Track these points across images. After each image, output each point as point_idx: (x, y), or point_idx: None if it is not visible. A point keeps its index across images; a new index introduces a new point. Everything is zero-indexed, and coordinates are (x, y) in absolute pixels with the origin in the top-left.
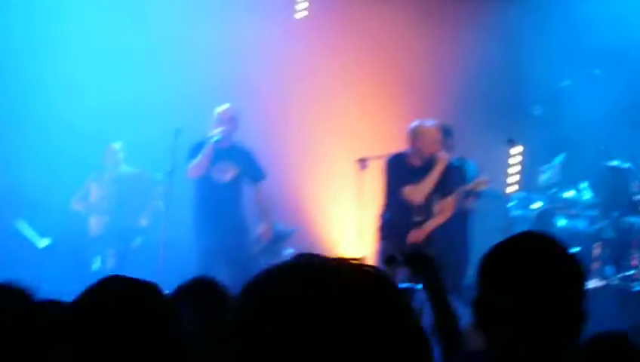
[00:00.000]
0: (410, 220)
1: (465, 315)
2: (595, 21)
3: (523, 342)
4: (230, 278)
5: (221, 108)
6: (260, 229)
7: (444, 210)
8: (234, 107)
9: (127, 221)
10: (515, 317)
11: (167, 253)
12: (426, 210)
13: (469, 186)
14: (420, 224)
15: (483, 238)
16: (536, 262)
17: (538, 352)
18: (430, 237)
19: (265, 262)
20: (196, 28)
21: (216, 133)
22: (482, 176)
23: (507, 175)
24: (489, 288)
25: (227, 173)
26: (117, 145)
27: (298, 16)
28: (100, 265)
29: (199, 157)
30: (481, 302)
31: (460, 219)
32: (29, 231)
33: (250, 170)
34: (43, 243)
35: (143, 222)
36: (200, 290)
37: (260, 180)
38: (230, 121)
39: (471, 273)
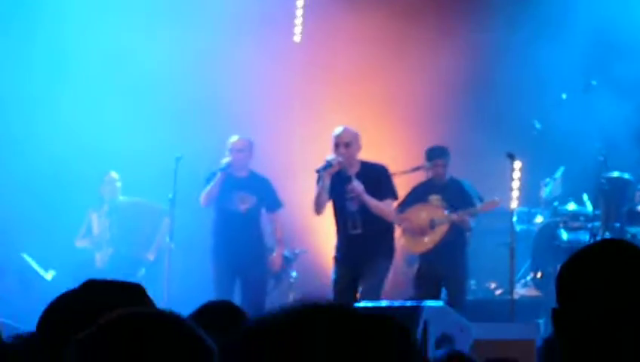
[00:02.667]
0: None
1: (495, 330)
2: (591, 30)
3: (610, 357)
4: (245, 305)
5: (232, 139)
6: (270, 257)
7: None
8: (246, 137)
9: (131, 251)
10: (600, 329)
11: (172, 283)
12: (361, 221)
13: (481, 207)
14: (359, 237)
15: (489, 254)
16: (620, 268)
17: None
18: (435, 255)
19: (271, 287)
20: (194, 55)
21: (224, 161)
22: (488, 195)
23: (509, 190)
24: (569, 299)
25: (244, 204)
26: (114, 175)
27: (295, 39)
28: None
29: (209, 186)
30: (561, 314)
31: (460, 237)
32: (34, 264)
33: (267, 199)
34: (49, 275)
35: (150, 256)
36: (217, 312)
37: (276, 210)
38: (240, 151)
39: (469, 289)
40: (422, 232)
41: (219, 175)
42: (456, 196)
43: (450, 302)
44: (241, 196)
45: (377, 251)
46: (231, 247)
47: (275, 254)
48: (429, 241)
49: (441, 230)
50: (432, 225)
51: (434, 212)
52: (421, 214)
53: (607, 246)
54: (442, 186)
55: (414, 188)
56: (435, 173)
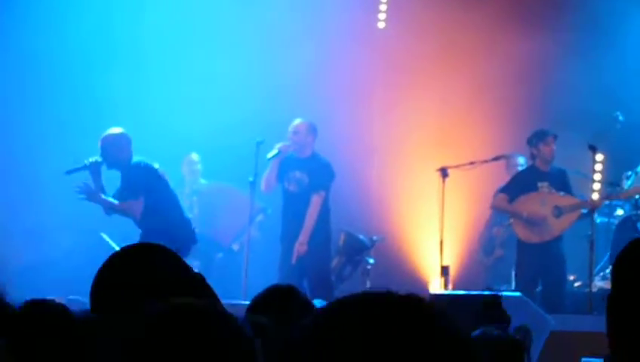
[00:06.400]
0: None
1: (573, 322)
2: None
3: None
4: (310, 291)
5: (294, 122)
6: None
7: None
8: (306, 121)
9: (210, 233)
10: None
11: (252, 267)
12: None
13: (628, 192)
14: None
15: (569, 247)
16: None
17: None
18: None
19: (347, 273)
20: (277, 40)
21: (279, 146)
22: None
23: (591, 182)
24: (623, 289)
25: (294, 184)
26: (195, 157)
27: (380, 26)
28: None
29: (266, 172)
30: (615, 303)
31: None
32: (112, 243)
33: (313, 180)
34: None
35: (235, 247)
36: (279, 298)
37: (314, 192)
38: (294, 133)
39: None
40: (542, 221)
41: (272, 162)
42: (562, 184)
43: (548, 294)
44: (294, 176)
45: None
46: (290, 233)
47: (299, 240)
48: (556, 230)
49: (569, 218)
50: (558, 214)
51: (556, 200)
52: (536, 202)
53: None
54: (547, 173)
55: (516, 176)
56: (547, 153)
